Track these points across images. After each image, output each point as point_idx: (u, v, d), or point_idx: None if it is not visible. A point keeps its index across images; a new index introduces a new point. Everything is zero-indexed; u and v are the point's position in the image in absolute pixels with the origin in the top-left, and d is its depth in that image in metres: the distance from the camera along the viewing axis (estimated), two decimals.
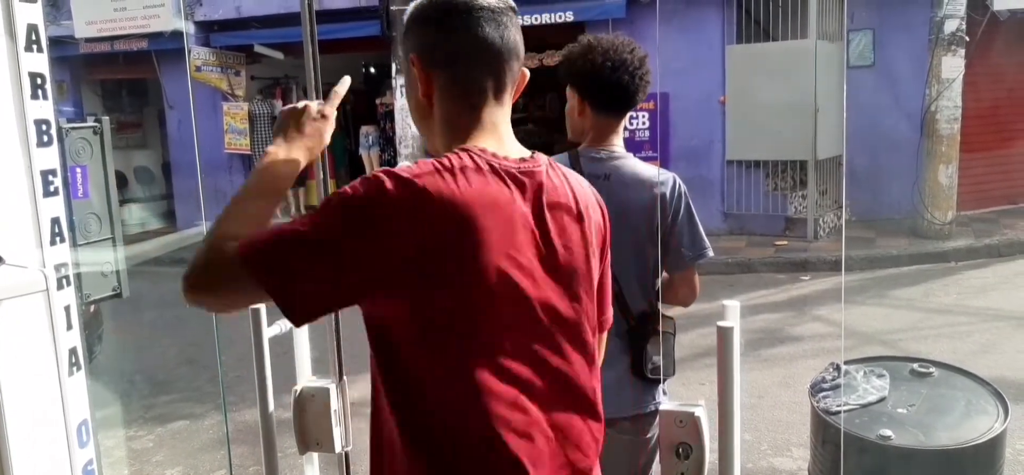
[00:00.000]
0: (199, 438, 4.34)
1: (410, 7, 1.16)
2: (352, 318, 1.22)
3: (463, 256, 0.99)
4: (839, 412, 2.19)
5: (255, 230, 1.06)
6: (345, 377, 1.69)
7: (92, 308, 3.62)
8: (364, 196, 0.97)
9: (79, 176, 1.75)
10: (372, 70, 12.01)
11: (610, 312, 1.30)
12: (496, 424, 1.03)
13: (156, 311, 6.66)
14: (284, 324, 1.85)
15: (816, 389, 2.35)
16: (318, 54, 1.59)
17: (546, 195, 1.10)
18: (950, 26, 7.48)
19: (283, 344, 1.84)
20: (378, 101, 11.08)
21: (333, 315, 1.64)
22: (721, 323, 1.44)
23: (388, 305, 1.01)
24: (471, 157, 1.05)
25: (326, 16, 8.89)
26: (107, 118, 1.87)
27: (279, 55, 10.37)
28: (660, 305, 2.00)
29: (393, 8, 7.88)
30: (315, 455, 1.85)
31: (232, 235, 1.03)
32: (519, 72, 1.18)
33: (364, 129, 11.01)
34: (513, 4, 1.16)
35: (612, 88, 1.94)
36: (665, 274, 2.03)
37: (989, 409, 2.18)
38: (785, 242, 8.01)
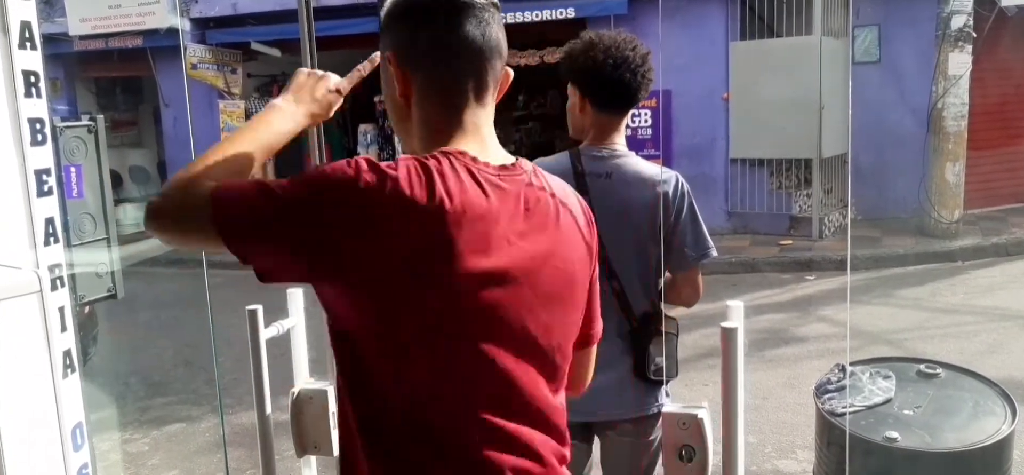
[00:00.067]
0: (195, 441, 4.34)
1: (388, 2, 1.12)
2: None
3: (427, 267, 0.96)
4: (844, 414, 2.19)
5: (236, 177, 1.04)
6: None
7: (87, 309, 3.62)
8: (347, 184, 0.95)
9: (73, 175, 1.75)
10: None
11: (598, 326, 1.27)
12: (459, 434, 1.01)
13: (151, 312, 6.66)
14: (282, 325, 1.85)
15: (821, 391, 2.35)
16: (316, 51, 1.59)
17: (526, 204, 1.06)
18: (957, 21, 7.48)
19: (280, 345, 1.85)
20: (376, 100, 11.08)
21: None
22: (725, 324, 1.44)
23: (348, 304, 0.99)
24: (449, 160, 1.01)
25: (324, 13, 8.89)
26: (102, 116, 1.87)
27: (276, 53, 10.36)
28: (663, 305, 2.00)
29: None
30: (313, 458, 1.85)
31: (213, 175, 1.02)
32: (502, 72, 1.14)
33: (363, 128, 11.02)
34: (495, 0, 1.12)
35: (614, 86, 1.94)
36: (668, 274, 2.03)
37: (997, 410, 2.18)
38: (789, 241, 8.00)
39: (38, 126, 1.52)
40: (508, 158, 1.11)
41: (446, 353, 1.00)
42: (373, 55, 1.26)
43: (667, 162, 8.06)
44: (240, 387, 4.39)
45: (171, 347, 5.98)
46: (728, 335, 1.43)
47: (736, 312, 1.48)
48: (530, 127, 12.14)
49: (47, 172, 1.55)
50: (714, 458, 1.47)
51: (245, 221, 0.97)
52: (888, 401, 2.25)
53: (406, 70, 1.09)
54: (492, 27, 1.09)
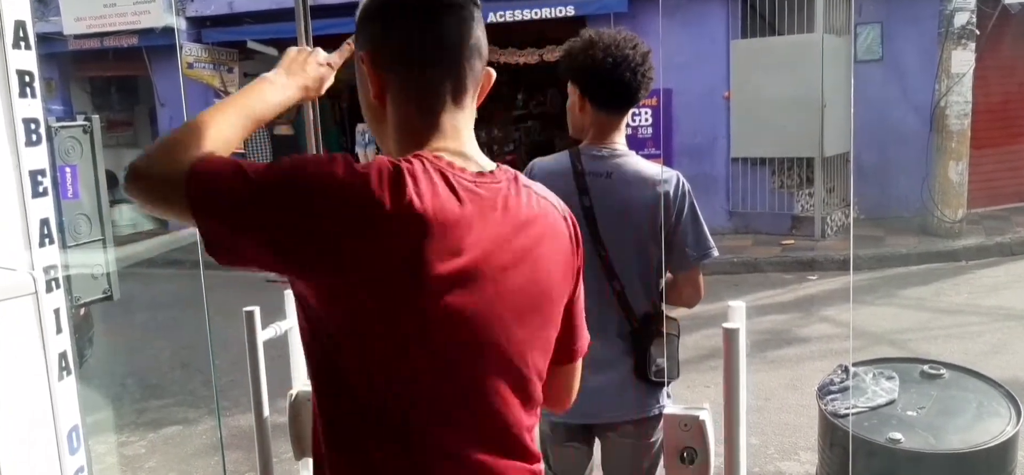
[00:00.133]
0: (193, 443, 4.33)
1: (362, 1, 1.10)
2: None
3: (392, 273, 0.94)
4: (847, 415, 2.19)
5: (222, 146, 1.04)
6: None
7: (82, 311, 3.62)
8: (316, 178, 0.94)
9: (69, 176, 1.75)
10: None
11: (583, 342, 1.22)
12: (424, 452, 1.00)
13: (148, 314, 6.66)
14: (280, 327, 1.85)
15: (824, 392, 2.35)
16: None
17: (503, 213, 1.02)
18: (960, 19, 7.48)
19: (278, 347, 1.85)
20: None
21: None
22: (726, 324, 1.45)
23: (314, 298, 0.98)
24: (423, 163, 0.97)
25: (320, 11, 8.89)
26: (97, 116, 1.87)
27: (273, 51, 10.35)
28: (664, 306, 2.00)
29: None
30: (311, 461, 1.85)
31: (199, 144, 1.01)
32: (482, 72, 1.10)
33: (360, 127, 11.02)
34: None
35: (613, 85, 1.94)
36: (669, 274, 2.03)
37: (1001, 411, 2.18)
38: (791, 241, 8.01)
39: (33, 126, 1.52)
40: (488, 164, 1.07)
41: (412, 363, 0.98)
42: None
43: (668, 161, 8.07)
44: (237, 389, 4.39)
45: (168, 349, 5.98)
46: (730, 336, 1.43)
47: (738, 313, 1.49)
48: (529, 126, 12.15)
49: (42, 173, 1.55)
50: (716, 460, 1.47)
51: (218, 201, 0.96)
52: (891, 402, 2.25)
53: (380, 71, 1.06)
54: (471, 26, 1.06)
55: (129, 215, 10.99)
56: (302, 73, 1.23)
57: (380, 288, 0.94)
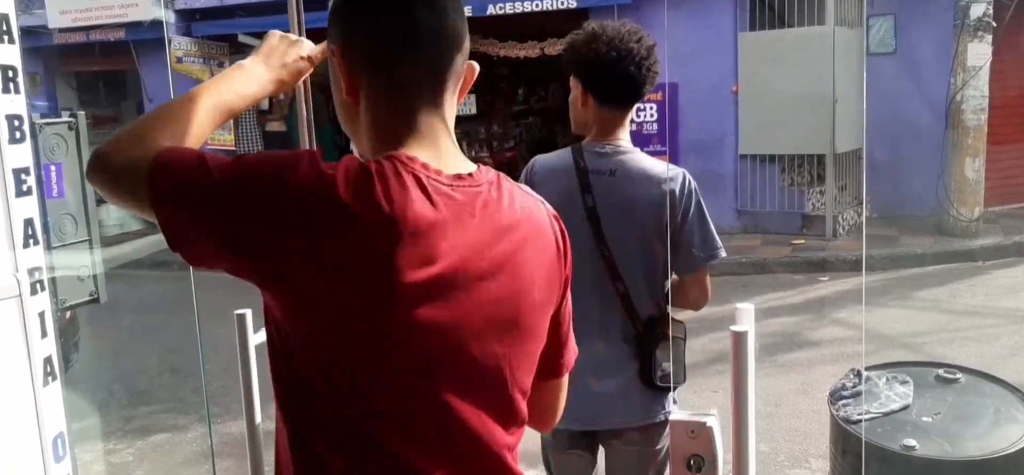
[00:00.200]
0: (182, 451, 4.34)
1: None
2: None
3: (358, 279, 0.91)
4: (860, 421, 2.19)
5: (192, 137, 1.03)
6: None
7: (68, 314, 3.62)
8: (277, 177, 0.92)
9: (54, 174, 1.75)
10: None
11: (570, 355, 1.19)
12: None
13: (136, 316, 6.66)
14: None
15: (836, 397, 2.35)
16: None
17: (482, 218, 0.99)
18: (976, 10, 7.48)
19: None
20: None
21: None
22: (735, 327, 1.44)
23: (275, 304, 0.97)
24: (394, 165, 0.94)
25: (314, 3, 8.88)
26: (83, 112, 1.87)
27: None
28: (670, 308, 2.00)
29: None
30: None
31: (167, 133, 1.01)
32: (463, 66, 1.06)
33: None
34: None
35: (617, 79, 1.94)
36: (675, 276, 2.04)
37: (1019, 417, 2.18)
38: (802, 241, 8.01)
39: (16, 123, 1.52)
40: (468, 166, 1.04)
41: (377, 376, 0.95)
42: None
43: (673, 159, 8.07)
44: (228, 395, 4.39)
45: (156, 353, 5.98)
46: (738, 339, 1.43)
47: (746, 315, 1.48)
48: (530, 122, 12.14)
49: (26, 171, 1.55)
50: (724, 468, 1.47)
51: (182, 194, 0.95)
52: (906, 407, 2.25)
53: (352, 67, 1.03)
54: (450, 16, 1.02)
55: (116, 215, 10.99)
56: (280, 65, 1.20)
57: (342, 297, 0.92)
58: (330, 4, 1.08)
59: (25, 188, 1.54)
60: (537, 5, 8.75)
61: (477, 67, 1.10)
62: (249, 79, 1.17)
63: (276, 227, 0.91)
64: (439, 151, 1.02)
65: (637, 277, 1.96)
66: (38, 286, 1.54)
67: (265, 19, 9.73)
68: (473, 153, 10.40)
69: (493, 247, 1.00)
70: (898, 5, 8.28)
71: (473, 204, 0.99)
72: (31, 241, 1.55)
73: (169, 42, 10.24)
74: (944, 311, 6.03)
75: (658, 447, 2.02)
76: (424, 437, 0.99)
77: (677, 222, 1.94)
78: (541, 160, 2.07)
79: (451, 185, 0.98)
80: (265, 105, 10.48)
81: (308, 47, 1.25)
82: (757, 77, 8.11)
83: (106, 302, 1.85)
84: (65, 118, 1.79)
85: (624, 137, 2.01)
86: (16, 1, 1.54)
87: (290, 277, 0.92)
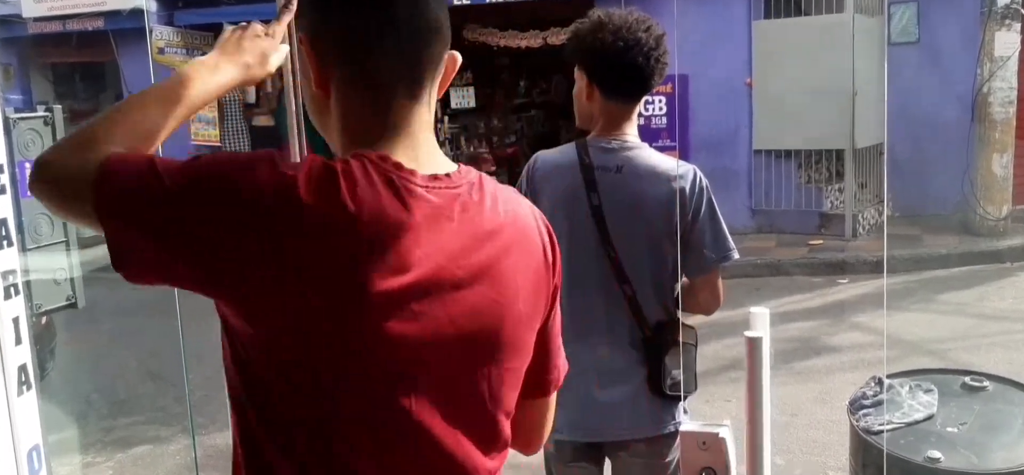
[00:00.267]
0: (164, 464, 4.34)
1: None
2: None
3: (322, 288, 0.90)
4: (882, 432, 2.19)
5: (144, 141, 1.01)
6: None
7: (44, 319, 3.63)
8: (236, 180, 0.91)
9: (29, 172, 1.75)
10: None
11: (558, 372, 1.17)
12: None
13: (115, 321, 6.66)
14: None
15: (856, 406, 2.35)
16: (296, 33, 1.59)
17: (461, 223, 0.97)
18: None
19: None
20: None
21: None
22: (748, 332, 1.45)
23: (234, 316, 0.95)
24: (363, 164, 0.93)
25: None
26: (59, 106, 1.88)
27: None
28: (680, 313, 2.00)
29: None
30: None
31: (116, 137, 0.99)
32: (442, 58, 1.04)
33: None
34: None
35: (624, 70, 1.95)
36: (685, 278, 2.04)
37: None
38: (820, 241, 8.01)
39: None
40: (447, 165, 1.02)
41: (341, 394, 0.93)
42: None
43: (684, 154, 8.07)
44: (212, 404, 4.39)
45: (137, 360, 5.99)
46: (752, 345, 1.43)
47: (761, 319, 1.49)
48: (532, 115, 12.13)
49: None
50: None
51: (129, 202, 0.93)
52: (930, 417, 2.25)
53: (323, 58, 1.01)
54: (428, 5, 1.00)
55: None
56: (237, 50, 1.18)
57: (305, 298, 0.90)
58: None
59: None
60: None
61: (459, 57, 1.08)
62: (206, 70, 1.15)
63: (234, 228, 0.89)
64: (416, 149, 1.00)
65: (645, 279, 1.96)
66: (12, 290, 1.54)
67: (252, 8, 9.74)
68: (472, 148, 10.40)
69: (472, 254, 0.97)
70: None
71: (450, 207, 0.97)
72: (5, 242, 1.55)
73: (150, 32, 10.24)
74: (970, 315, 6.02)
75: (668, 460, 2.02)
76: (391, 452, 0.96)
77: (687, 221, 1.94)
78: (544, 156, 2.07)
79: (426, 186, 0.96)
80: (252, 99, 10.49)
81: (260, 27, 1.22)
82: (772, 68, 8.11)
83: (84, 307, 1.86)
84: (41, 113, 1.79)
85: (631, 132, 2.02)
86: None
87: (249, 280, 0.90)
